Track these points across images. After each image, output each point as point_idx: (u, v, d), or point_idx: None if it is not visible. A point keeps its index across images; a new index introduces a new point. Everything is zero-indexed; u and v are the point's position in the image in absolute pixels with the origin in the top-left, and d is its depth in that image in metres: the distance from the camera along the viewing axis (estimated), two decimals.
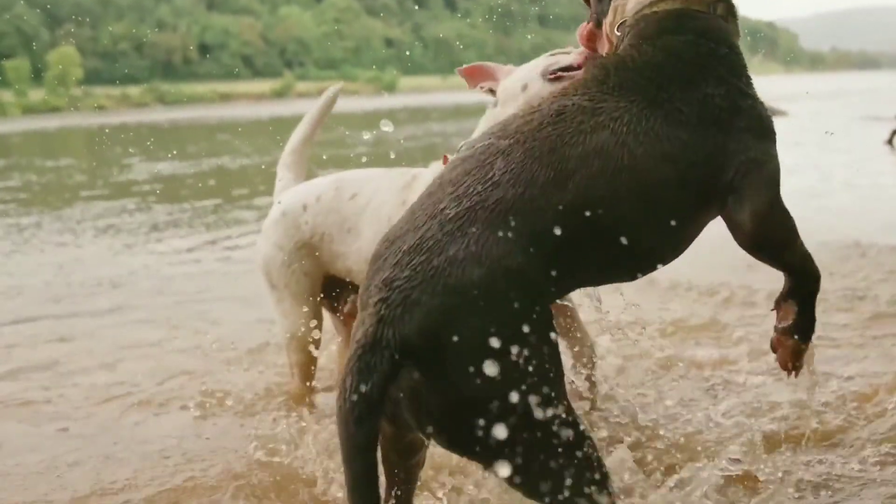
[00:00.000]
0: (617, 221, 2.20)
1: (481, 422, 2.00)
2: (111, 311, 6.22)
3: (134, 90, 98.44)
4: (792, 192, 8.41)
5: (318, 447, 3.37)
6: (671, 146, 2.26)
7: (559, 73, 2.93)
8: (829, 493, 2.97)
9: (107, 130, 34.66)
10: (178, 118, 50.30)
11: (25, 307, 6.47)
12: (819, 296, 2.46)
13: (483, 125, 3.16)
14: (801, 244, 2.44)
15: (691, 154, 2.27)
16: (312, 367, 3.90)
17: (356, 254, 3.50)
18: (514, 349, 2.00)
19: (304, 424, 3.59)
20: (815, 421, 3.43)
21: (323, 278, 3.74)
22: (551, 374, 2.08)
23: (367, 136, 22.56)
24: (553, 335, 2.08)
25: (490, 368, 1.96)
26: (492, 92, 3.23)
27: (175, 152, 22.77)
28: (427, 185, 2.36)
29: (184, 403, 4.22)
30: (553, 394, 2.06)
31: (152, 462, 3.59)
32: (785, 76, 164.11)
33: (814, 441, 3.31)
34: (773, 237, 2.37)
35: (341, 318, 3.91)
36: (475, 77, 3.29)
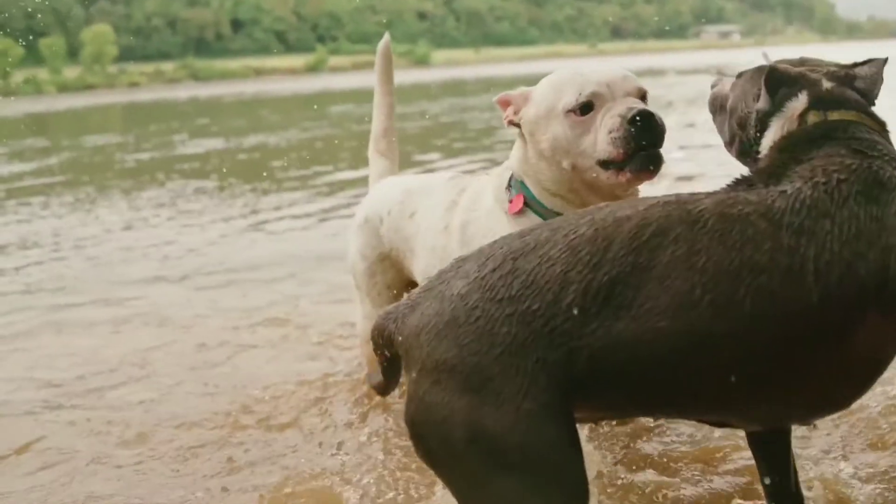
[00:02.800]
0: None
1: None
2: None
3: (167, 66, 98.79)
4: None
5: None
6: None
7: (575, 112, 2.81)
8: None
9: (145, 107, 34.75)
10: (214, 94, 50.41)
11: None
12: None
13: (515, 154, 3.05)
14: None
15: None
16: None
17: (420, 275, 3.33)
18: None
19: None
20: None
21: (407, 286, 3.59)
22: None
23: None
24: None
25: None
26: (514, 124, 3.01)
27: (217, 128, 22.85)
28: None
29: None
30: None
31: None
32: (822, 45, 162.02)
33: None
34: None
35: None
36: (503, 106, 3.04)
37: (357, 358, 4.23)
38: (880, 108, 2.25)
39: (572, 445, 1.94)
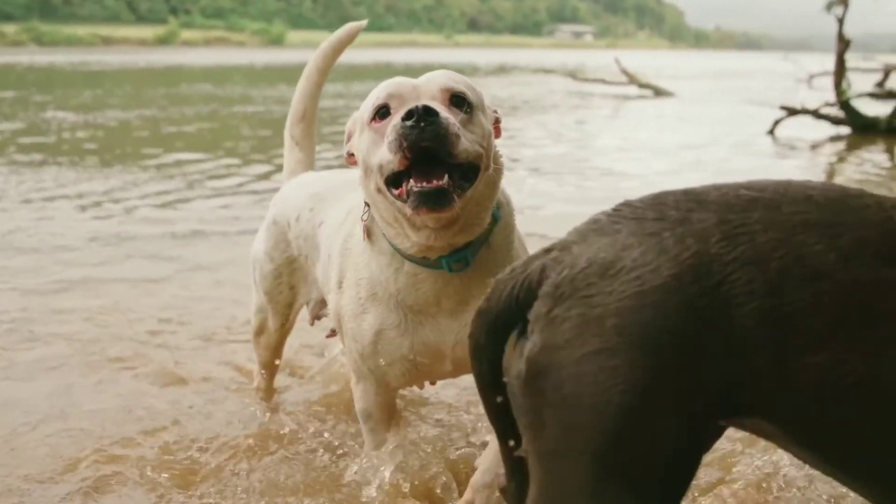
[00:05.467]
0: None
1: None
2: None
3: (9, 28, 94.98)
4: (650, 174, 8.57)
5: None
6: None
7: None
8: None
9: None
10: (57, 61, 48.67)
11: None
12: None
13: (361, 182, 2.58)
14: None
15: None
16: (276, 362, 3.75)
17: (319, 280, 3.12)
18: None
19: None
20: None
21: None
22: None
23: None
24: None
25: None
26: (350, 154, 2.62)
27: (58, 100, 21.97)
28: None
29: None
30: None
31: None
32: (670, 52, 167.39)
33: None
34: None
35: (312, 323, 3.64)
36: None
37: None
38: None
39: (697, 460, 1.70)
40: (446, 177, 2.25)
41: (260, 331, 3.58)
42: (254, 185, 9.47)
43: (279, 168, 4.21)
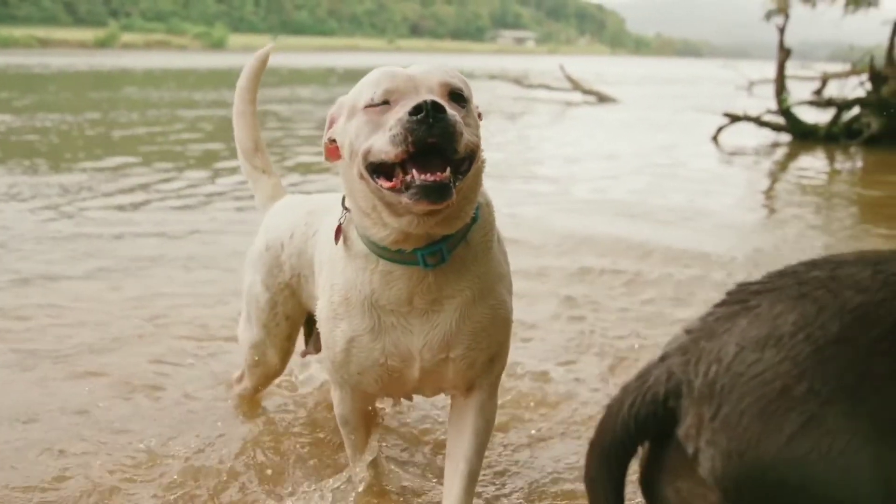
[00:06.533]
0: None
1: None
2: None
3: None
4: (598, 178, 8.68)
5: None
6: None
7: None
8: None
9: None
10: None
11: None
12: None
13: (341, 171, 2.57)
14: None
15: None
16: (268, 385, 3.78)
17: (318, 287, 2.99)
18: None
19: None
20: None
21: (303, 316, 3.44)
22: None
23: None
24: None
25: None
26: (332, 141, 2.57)
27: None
28: None
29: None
30: None
31: None
32: (611, 58, 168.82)
33: None
34: None
35: (303, 356, 3.71)
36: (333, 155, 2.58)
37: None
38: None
39: None
40: (448, 170, 2.25)
41: (258, 364, 3.55)
42: (204, 187, 9.48)
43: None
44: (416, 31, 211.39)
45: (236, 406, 3.84)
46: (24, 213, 7.90)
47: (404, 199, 2.27)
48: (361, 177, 2.37)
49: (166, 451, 3.41)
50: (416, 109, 2.22)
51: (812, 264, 1.67)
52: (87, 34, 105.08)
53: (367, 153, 2.32)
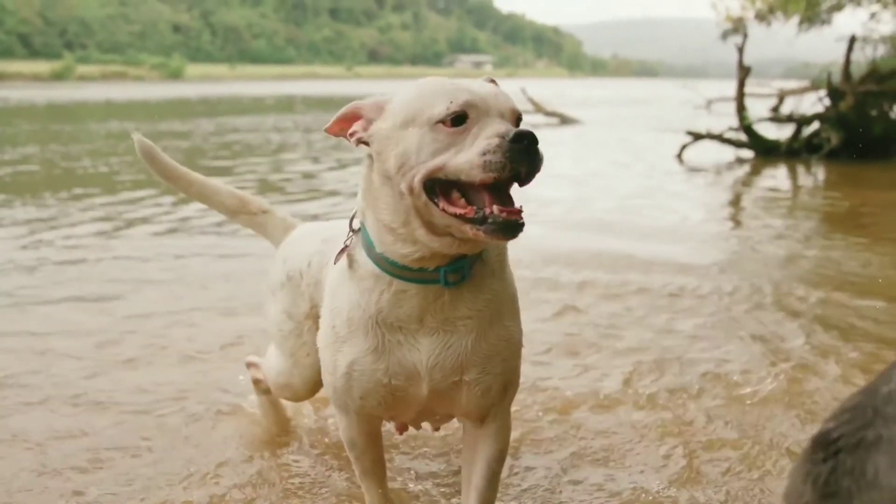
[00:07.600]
0: None
1: None
2: None
3: None
4: (567, 199, 8.73)
5: None
6: None
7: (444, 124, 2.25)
8: None
9: None
10: None
11: None
12: None
13: (360, 182, 2.47)
14: None
15: None
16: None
17: None
18: None
19: None
20: None
21: None
22: None
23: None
24: None
25: None
26: (363, 142, 2.40)
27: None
28: None
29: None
30: None
31: None
32: (570, 80, 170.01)
33: None
34: None
35: None
36: (344, 124, 2.44)
37: None
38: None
39: None
40: (521, 206, 2.20)
41: (284, 389, 3.41)
42: (176, 213, 9.49)
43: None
44: (374, 57, 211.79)
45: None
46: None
47: (475, 230, 2.19)
48: (411, 192, 2.25)
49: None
50: (519, 137, 2.14)
51: None
52: (42, 66, 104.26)
53: (436, 170, 2.20)
